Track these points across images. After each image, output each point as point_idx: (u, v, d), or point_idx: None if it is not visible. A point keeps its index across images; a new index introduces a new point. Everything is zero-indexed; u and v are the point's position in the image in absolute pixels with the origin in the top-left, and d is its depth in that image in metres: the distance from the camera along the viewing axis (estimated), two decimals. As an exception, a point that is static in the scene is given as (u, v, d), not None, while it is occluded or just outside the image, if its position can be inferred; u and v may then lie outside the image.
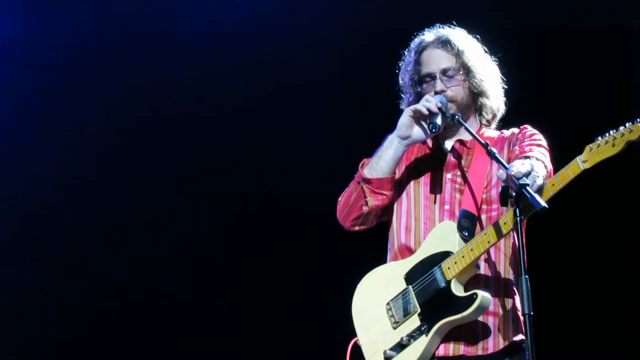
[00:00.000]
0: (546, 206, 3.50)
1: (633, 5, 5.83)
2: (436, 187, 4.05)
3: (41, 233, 6.32)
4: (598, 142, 3.57)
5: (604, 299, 5.88)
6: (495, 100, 4.19)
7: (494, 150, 3.81)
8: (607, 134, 3.56)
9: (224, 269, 6.41)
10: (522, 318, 3.78)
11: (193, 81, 6.33)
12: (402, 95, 4.30)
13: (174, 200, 6.41)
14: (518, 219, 3.57)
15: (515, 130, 4.12)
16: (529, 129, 4.06)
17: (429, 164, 4.13)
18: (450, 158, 4.10)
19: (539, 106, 5.77)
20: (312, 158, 6.17)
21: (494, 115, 4.21)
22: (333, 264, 5.63)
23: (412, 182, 4.11)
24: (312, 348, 6.03)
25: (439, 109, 4.01)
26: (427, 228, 4.01)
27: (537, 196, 3.52)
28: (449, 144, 4.15)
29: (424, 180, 4.10)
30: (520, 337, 3.91)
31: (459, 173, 4.05)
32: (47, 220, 6.32)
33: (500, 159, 3.75)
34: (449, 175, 4.06)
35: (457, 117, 4.03)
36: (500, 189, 3.67)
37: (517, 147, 3.96)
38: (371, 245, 4.38)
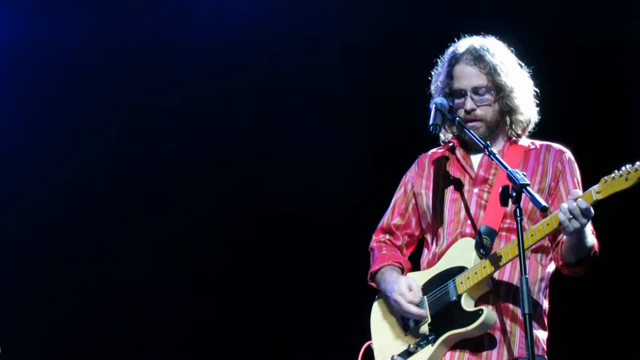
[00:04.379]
0: (546, 205, 3.54)
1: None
2: (462, 202, 4.06)
3: (41, 233, 6.31)
4: (613, 175, 3.62)
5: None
6: (526, 114, 4.15)
7: (495, 151, 3.83)
8: (622, 168, 3.61)
9: (224, 269, 6.42)
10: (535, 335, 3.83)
11: (193, 81, 6.33)
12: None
13: (174, 200, 6.42)
14: (518, 219, 3.58)
15: (555, 148, 4.10)
16: (575, 166, 4.07)
17: (458, 178, 4.12)
18: (479, 172, 4.09)
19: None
20: (313, 159, 6.16)
21: (524, 128, 4.17)
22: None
23: (439, 197, 4.12)
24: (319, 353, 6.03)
25: (439, 110, 4.00)
26: (450, 242, 4.03)
27: (537, 196, 3.55)
28: (477, 157, 4.13)
29: (452, 196, 4.10)
30: (524, 354, 3.89)
31: (485, 188, 4.05)
32: (46, 220, 6.31)
33: (503, 162, 3.76)
34: (475, 190, 4.06)
35: (457, 119, 4.03)
36: (500, 189, 3.67)
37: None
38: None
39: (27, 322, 6.23)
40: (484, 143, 3.88)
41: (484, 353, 3.88)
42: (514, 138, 4.15)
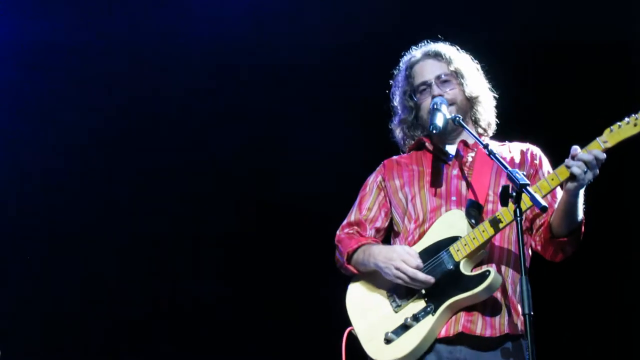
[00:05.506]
0: (546, 205, 3.52)
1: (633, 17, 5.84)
2: (442, 183, 4.08)
3: (40, 233, 6.32)
4: (619, 123, 3.64)
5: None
6: (489, 108, 4.24)
7: (494, 150, 3.84)
8: (627, 117, 3.63)
9: (224, 269, 6.45)
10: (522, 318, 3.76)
11: (193, 81, 6.34)
12: (393, 115, 4.35)
13: (174, 200, 6.43)
14: (519, 219, 3.55)
15: (528, 148, 4.14)
16: (545, 159, 4.11)
17: (434, 165, 4.15)
18: (455, 158, 4.13)
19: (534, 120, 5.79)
20: (313, 158, 6.18)
21: (489, 125, 4.25)
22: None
23: (416, 182, 4.14)
24: (312, 342, 6.02)
25: (439, 110, 4.03)
26: (433, 217, 4.02)
27: (537, 196, 3.53)
28: (452, 148, 4.17)
29: (429, 179, 4.11)
30: (519, 328, 3.89)
31: (464, 170, 4.08)
32: (45, 220, 6.31)
33: (500, 159, 3.77)
34: (454, 172, 4.09)
35: (457, 118, 4.06)
36: (500, 189, 3.66)
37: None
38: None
39: (26, 322, 6.23)
40: (483, 143, 3.90)
41: (479, 320, 3.85)
42: (482, 136, 4.20)
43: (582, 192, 3.76)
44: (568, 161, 3.68)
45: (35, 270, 6.31)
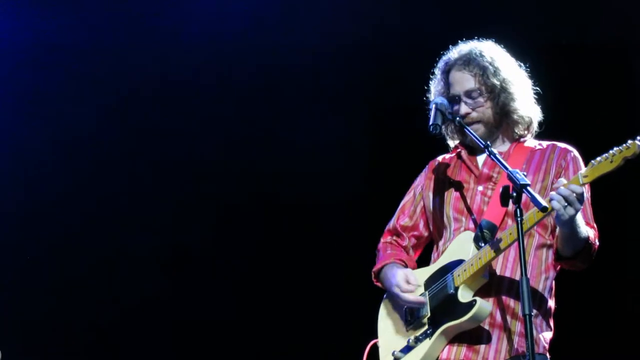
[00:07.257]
0: (547, 206, 3.53)
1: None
2: (467, 200, 4.08)
3: (39, 233, 6.33)
4: (599, 158, 3.63)
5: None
6: (524, 113, 4.14)
7: (495, 151, 3.84)
8: (610, 150, 3.61)
9: (224, 268, 6.46)
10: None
11: (193, 81, 6.36)
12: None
13: (172, 200, 6.44)
14: (519, 219, 3.57)
15: (561, 146, 4.09)
16: (580, 163, 4.04)
17: (464, 177, 4.15)
18: (483, 170, 4.11)
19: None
20: (314, 157, 6.19)
21: (527, 127, 4.17)
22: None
23: (446, 197, 4.15)
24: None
25: (440, 110, 4.03)
26: (455, 235, 4.06)
27: (537, 196, 3.54)
28: (483, 158, 4.16)
29: (457, 194, 4.12)
30: (523, 350, 3.87)
31: (489, 185, 4.07)
32: (45, 220, 6.32)
33: (503, 162, 3.77)
34: (480, 188, 4.08)
35: (457, 119, 4.06)
36: (501, 190, 3.67)
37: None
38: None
39: (26, 322, 6.24)
40: (483, 143, 3.90)
41: (482, 347, 3.87)
42: (521, 139, 4.15)
43: (579, 218, 3.73)
44: (552, 194, 3.66)
45: (36, 270, 6.31)
